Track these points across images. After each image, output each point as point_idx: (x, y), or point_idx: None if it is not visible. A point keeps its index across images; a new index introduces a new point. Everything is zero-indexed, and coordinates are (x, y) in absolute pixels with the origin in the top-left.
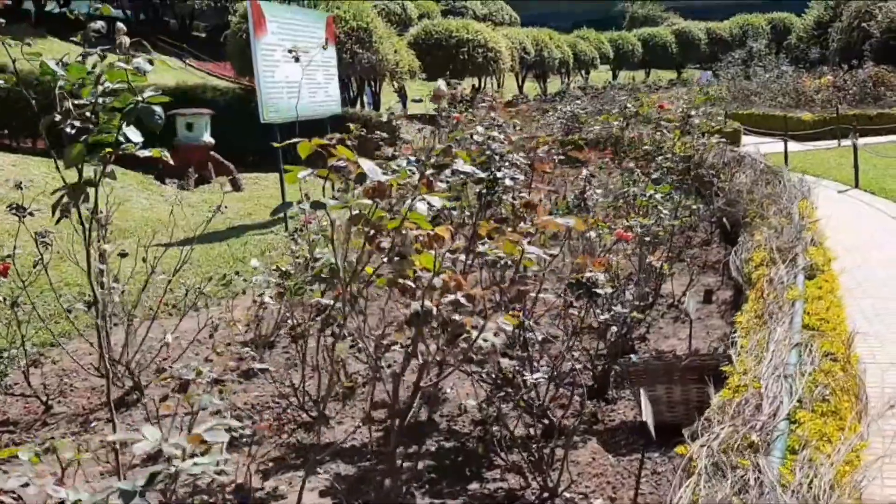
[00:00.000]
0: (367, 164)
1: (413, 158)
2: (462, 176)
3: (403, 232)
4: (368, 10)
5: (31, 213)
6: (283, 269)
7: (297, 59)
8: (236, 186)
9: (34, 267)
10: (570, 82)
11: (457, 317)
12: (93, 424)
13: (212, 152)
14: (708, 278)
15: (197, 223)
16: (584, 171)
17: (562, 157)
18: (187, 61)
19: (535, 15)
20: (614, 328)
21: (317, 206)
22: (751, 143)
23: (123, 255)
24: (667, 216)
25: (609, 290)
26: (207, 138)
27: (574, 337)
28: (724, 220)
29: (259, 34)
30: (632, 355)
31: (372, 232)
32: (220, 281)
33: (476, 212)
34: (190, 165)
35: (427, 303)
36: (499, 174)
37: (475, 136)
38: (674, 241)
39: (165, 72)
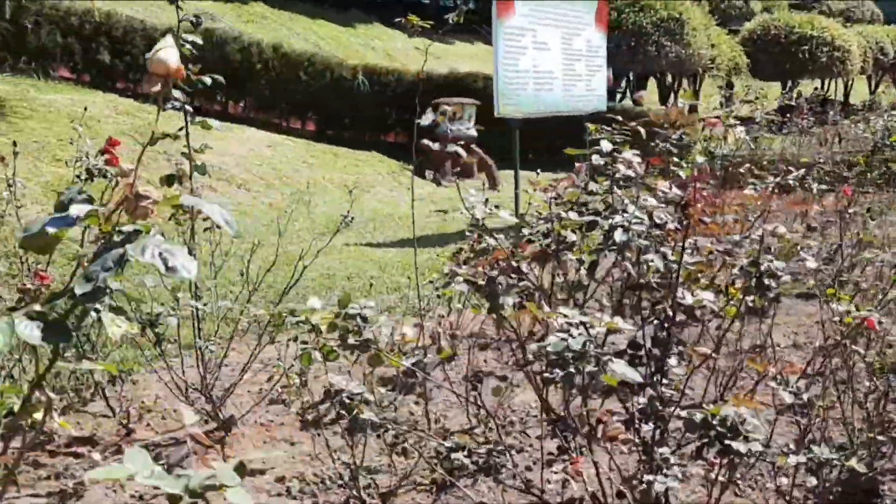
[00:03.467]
0: None
1: None
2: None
3: None
4: None
5: None
6: (315, 322)
7: None
8: (494, 184)
9: None
10: None
11: None
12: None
13: (473, 146)
14: None
15: (423, 223)
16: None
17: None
18: None
19: None
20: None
21: None
22: None
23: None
24: None
25: (759, 445)
26: (471, 130)
27: None
28: None
29: (503, 16)
30: None
31: None
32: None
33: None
34: (449, 158)
35: None
36: (616, 219)
37: (593, 159)
38: None
39: (452, 58)
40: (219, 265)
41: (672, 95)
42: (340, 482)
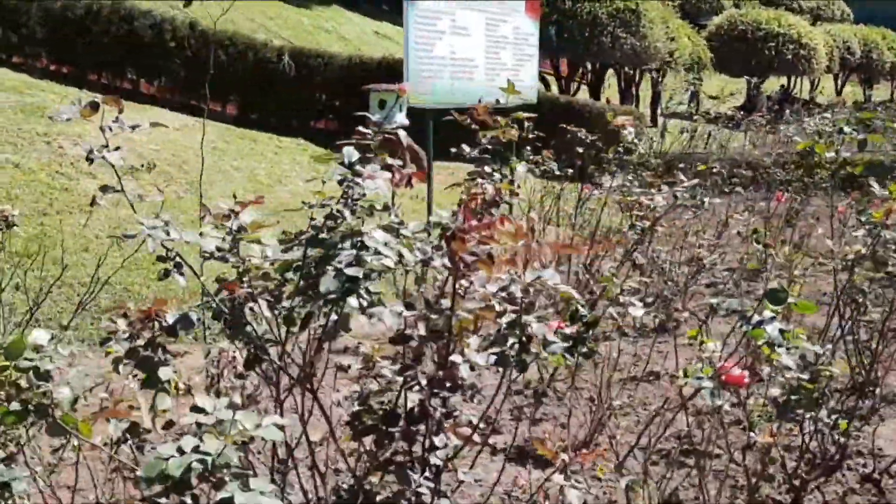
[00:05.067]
0: None
1: None
2: None
3: None
4: None
5: None
6: None
7: None
8: (424, 178)
9: None
10: None
11: None
12: None
13: (404, 135)
14: None
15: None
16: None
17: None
18: None
19: (875, 11)
20: None
21: None
22: None
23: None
24: (799, 366)
25: None
26: (401, 119)
27: None
28: None
29: None
30: None
31: None
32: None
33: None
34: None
35: None
36: (342, 255)
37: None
38: None
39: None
40: (9, 274)
41: (633, 89)
42: None
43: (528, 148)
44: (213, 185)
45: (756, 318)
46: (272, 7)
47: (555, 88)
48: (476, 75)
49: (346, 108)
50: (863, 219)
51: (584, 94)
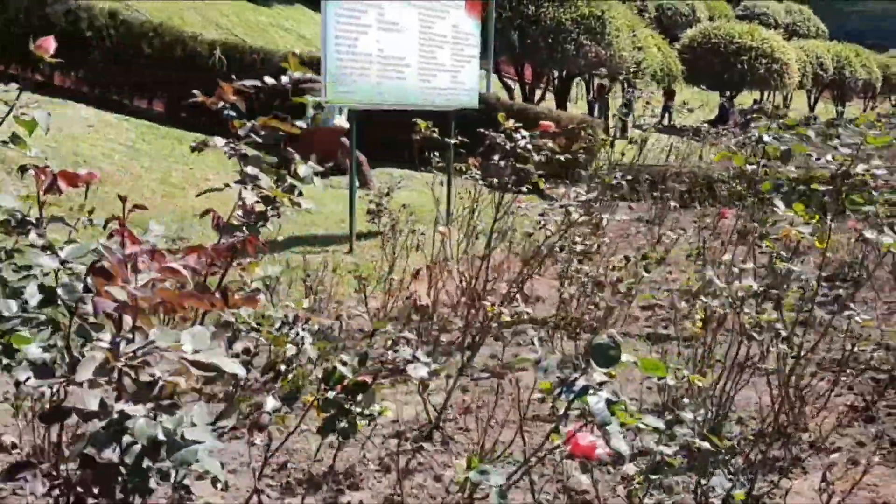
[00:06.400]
0: None
1: None
2: None
3: None
4: None
5: None
6: None
7: None
8: (365, 182)
9: None
10: (873, 107)
11: None
12: None
13: (343, 138)
14: None
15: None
16: None
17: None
18: None
19: (851, 30)
20: None
21: None
22: None
23: None
24: (661, 436)
25: None
26: (340, 121)
27: None
28: None
29: None
30: None
31: None
32: None
33: None
34: (315, 151)
35: None
36: None
37: None
38: None
39: None
40: None
41: (596, 105)
42: None
43: (442, 155)
44: (117, 188)
45: (582, 382)
46: (228, 5)
47: (519, 96)
48: (408, 75)
49: (284, 108)
50: (764, 245)
51: (550, 103)
